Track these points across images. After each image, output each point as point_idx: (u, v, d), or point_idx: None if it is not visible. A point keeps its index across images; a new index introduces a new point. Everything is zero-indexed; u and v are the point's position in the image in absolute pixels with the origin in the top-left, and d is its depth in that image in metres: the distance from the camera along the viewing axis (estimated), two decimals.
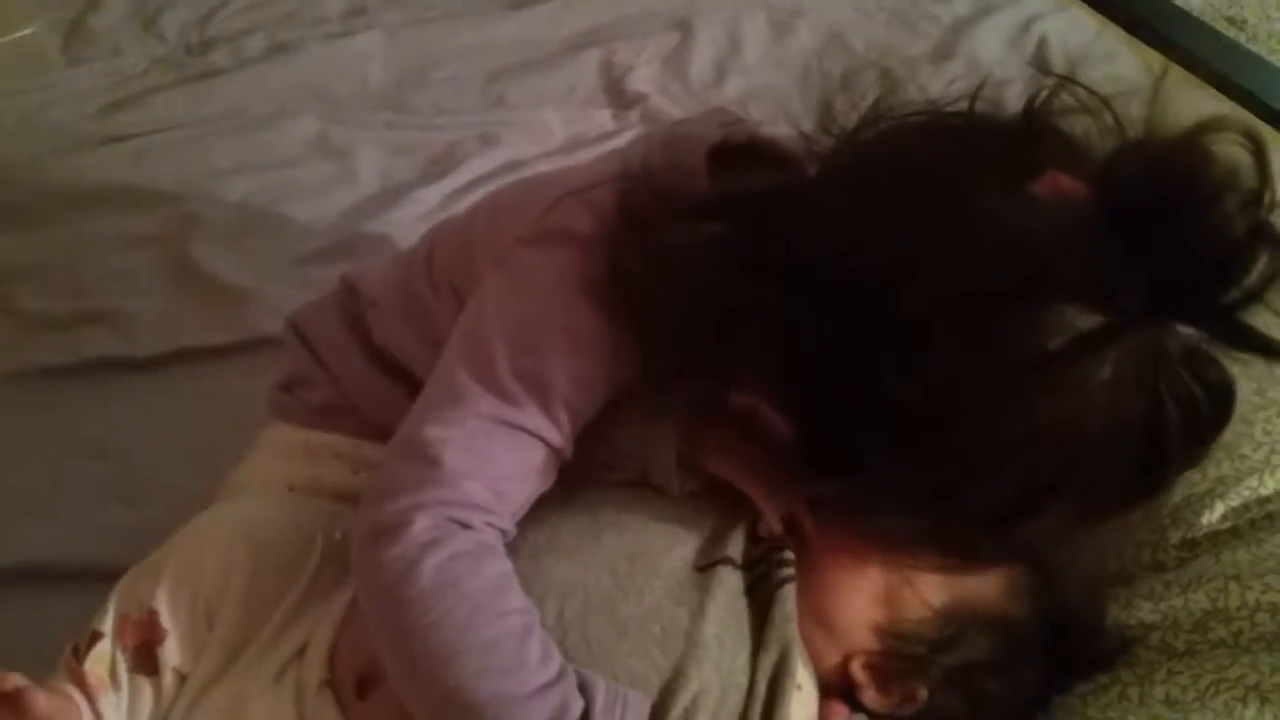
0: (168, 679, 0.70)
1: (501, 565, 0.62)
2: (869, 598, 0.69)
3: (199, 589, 0.70)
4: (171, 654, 0.69)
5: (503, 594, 0.60)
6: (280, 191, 1.29)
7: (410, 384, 0.78)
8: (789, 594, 0.66)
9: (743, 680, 0.64)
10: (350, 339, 0.85)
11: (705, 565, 0.67)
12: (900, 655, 0.68)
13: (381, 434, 0.71)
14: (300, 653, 0.70)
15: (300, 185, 1.30)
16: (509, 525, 0.64)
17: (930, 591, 0.68)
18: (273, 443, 0.88)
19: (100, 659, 0.69)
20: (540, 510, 0.67)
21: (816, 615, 0.68)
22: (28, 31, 1.47)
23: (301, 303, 0.92)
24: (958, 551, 0.61)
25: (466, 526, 0.61)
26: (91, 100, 1.42)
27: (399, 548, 0.59)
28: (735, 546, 0.68)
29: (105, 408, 1.05)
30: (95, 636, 0.69)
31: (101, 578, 0.75)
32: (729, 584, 0.66)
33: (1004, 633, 0.69)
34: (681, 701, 0.61)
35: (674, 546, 0.68)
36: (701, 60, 1.55)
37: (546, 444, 0.64)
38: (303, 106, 1.42)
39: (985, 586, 0.70)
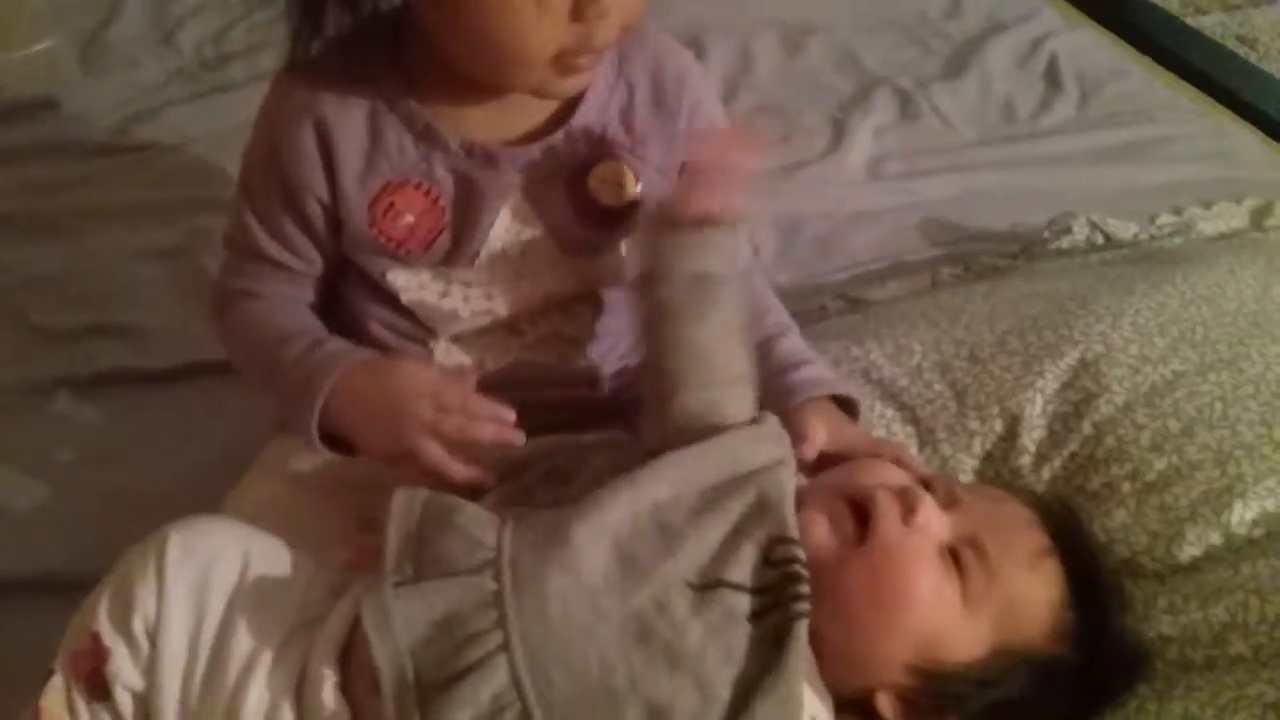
0: (123, 698, 0.66)
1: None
2: (906, 641, 0.68)
3: (133, 603, 0.67)
4: (118, 671, 0.66)
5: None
6: None
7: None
8: (802, 632, 0.64)
9: (724, 695, 0.63)
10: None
11: (703, 585, 0.66)
12: (937, 692, 0.68)
13: None
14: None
15: None
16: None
17: (977, 638, 0.68)
18: (277, 450, 0.88)
19: (55, 695, 0.67)
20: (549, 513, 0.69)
21: (842, 649, 0.67)
22: (47, 44, 1.49)
23: None
24: None
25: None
26: (108, 113, 1.43)
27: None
28: (741, 568, 0.66)
29: (116, 419, 1.06)
30: (49, 673, 0.67)
31: None
32: (727, 606, 0.65)
33: (1046, 670, 0.69)
34: (655, 705, 0.61)
35: (667, 557, 0.66)
36: (713, 77, 1.55)
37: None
38: None
39: (1034, 628, 0.70)
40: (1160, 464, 0.82)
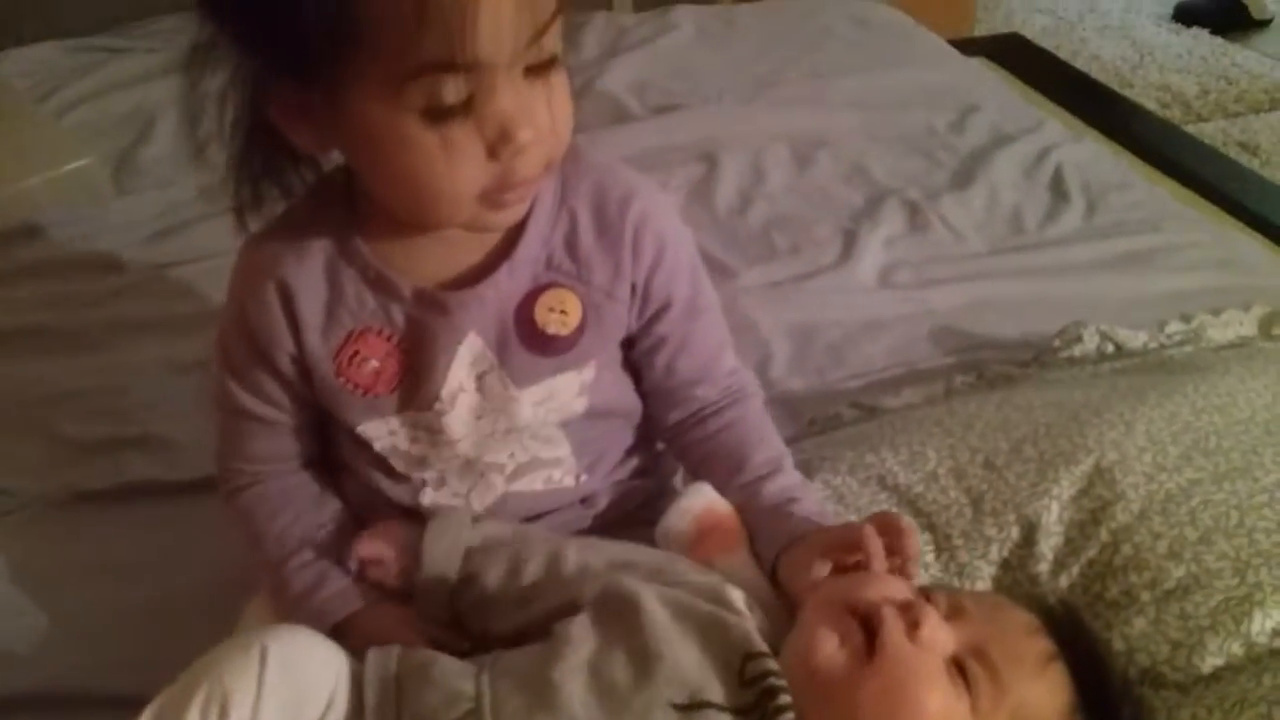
0: None
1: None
2: None
3: (229, 710, 0.67)
4: None
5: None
6: None
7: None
8: None
9: None
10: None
11: (688, 705, 0.66)
12: None
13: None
14: None
15: None
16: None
17: None
18: None
19: None
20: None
21: None
22: (82, 163, 1.53)
23: None
24: None
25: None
26: (140, 229, 1.47)
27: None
28: (721, 689, 0.67)
29: (142, 532, 1.06)
30: None
31: (132, 704, 0.74)
32: None
33: None
34: None
35: (646, 682, 0.67)
36: (727, 189, 1.60)
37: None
38: None
39: (1046, 711, 0.70)
40: (1179, 571, 0.82)
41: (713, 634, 0.70)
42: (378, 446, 0.83)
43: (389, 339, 0.79)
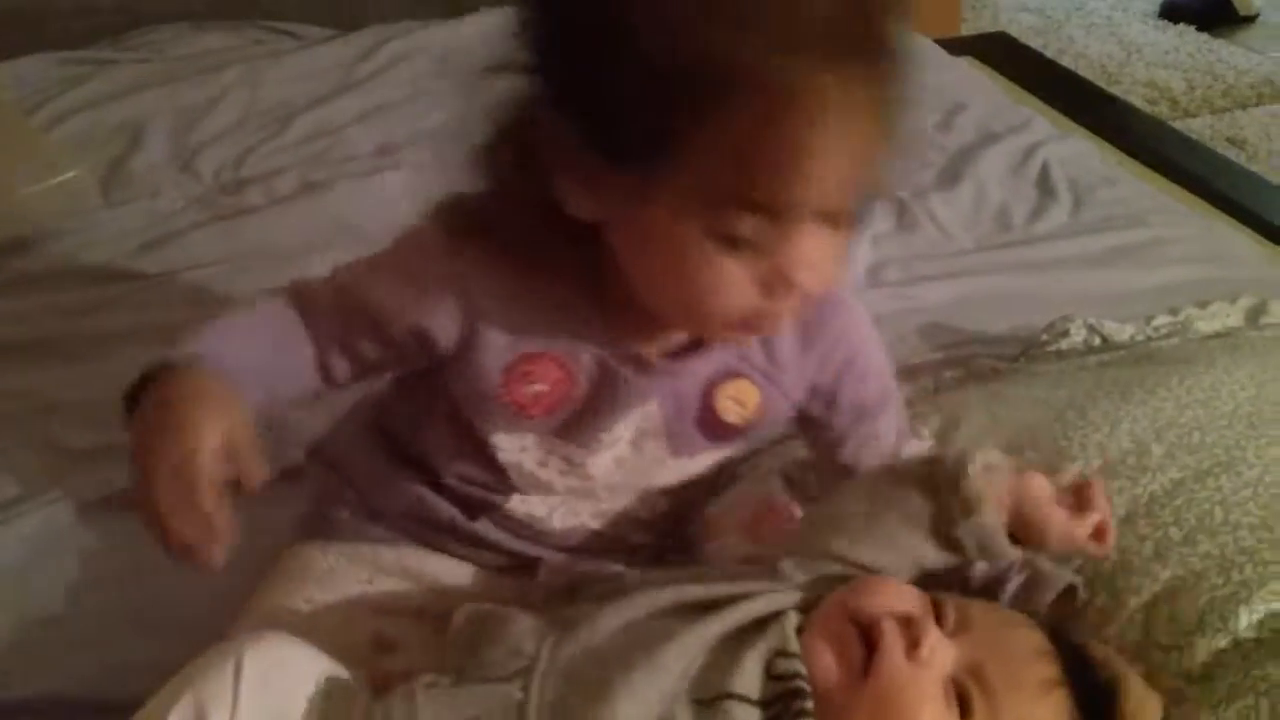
0: None
1: None
2: None
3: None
4: None
5: None
6: None
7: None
8: None
9: None
10: (374, 450, 0.89)
11: (710, 698, 0.66)
12: None
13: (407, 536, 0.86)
14: None
15: None
16: None
17: None
18: (291, 562, 0.90)
19: None
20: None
21: None
22: (71, 174, 1.52)
23: (324, 430, 0.96)
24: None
25: None
26: (130, 239, 1.46)
27: None
28: (747, 681, 0.67)
29: (135, 539, 1.05)
30: None
31: (130, 711, 0.73)
32: (741, 717, 0.65)
33: None
34: None
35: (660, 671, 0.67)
36: None
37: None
38: (333, 241, 1.44)
39: None
40: (1165, 574, 0.82)
41: (750, 625, 0.70)
42: (502, 457, 0.81)
43: (567, 372, 0.78)
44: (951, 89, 1.91)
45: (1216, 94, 2.71)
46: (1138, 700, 0.72)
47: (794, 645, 0.69)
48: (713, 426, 0.81)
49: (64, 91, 1.80)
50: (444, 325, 0.76)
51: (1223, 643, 0.78)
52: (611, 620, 0.71)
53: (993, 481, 0.76)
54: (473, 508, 0.86)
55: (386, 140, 1.70)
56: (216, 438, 0.69)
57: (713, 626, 0.70)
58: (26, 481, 1.12)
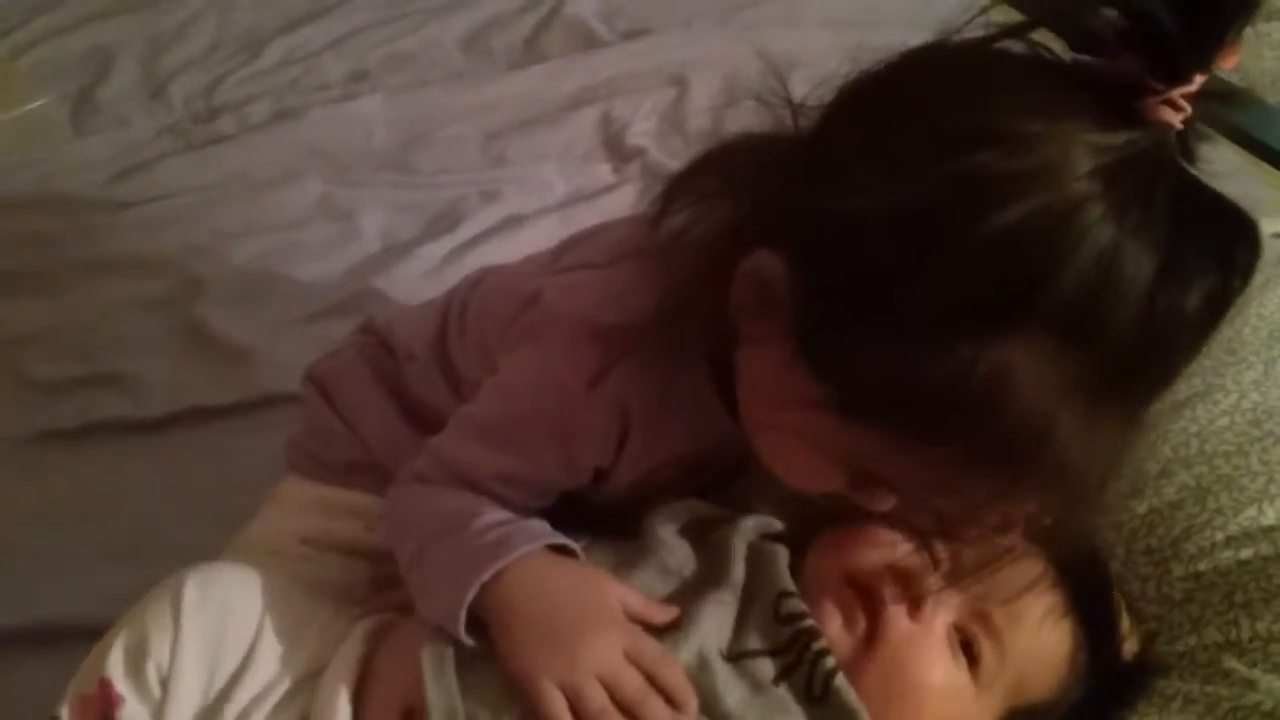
0: None
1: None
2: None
3: (148, 650, 0.67)
4: (129, 718, 0.66)
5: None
6: (286, 252, 1.31)
7: None
8: (844, 686, 0.64)
9: None
10: (383, 395, 0.87)
11: (736, 656, 0.66)
12: None
13: None
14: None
15: (305, 246, 1.32)
16: None
17: (990, 709, 0.69)
18: (287, 497, 0.89)
19: None
20: None
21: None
22: (39, 104, 1.50)
23: (307, 360, 0.94)
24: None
25: None
26: (100, 169, 1.44)
27: None
28: (757, 633, 0.67)
29: (115, 469, 1.07)
30: None
31: None
32: (759, 672, 0.66)
33: (1055, 709, 0.70)
34: None
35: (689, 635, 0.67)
36: (698, 113, 1.57)
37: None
38: (306, 169, 1.44)
39: (1046, 683, 0.70)
40: (1141, 509, 0.81)
41: (752, 575, 0.70)
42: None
43: (681, 464, 0.74)
44: (942, 5, 1.85)
45: None
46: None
47: (791, 584, 0.69)
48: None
49: (30, 19, 1.75)
50: (608, 452, 0.71)
51: (1203, 565, 0.77)
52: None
53: None
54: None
55: (359, 66, 1.67)
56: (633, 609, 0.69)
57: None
58: None
